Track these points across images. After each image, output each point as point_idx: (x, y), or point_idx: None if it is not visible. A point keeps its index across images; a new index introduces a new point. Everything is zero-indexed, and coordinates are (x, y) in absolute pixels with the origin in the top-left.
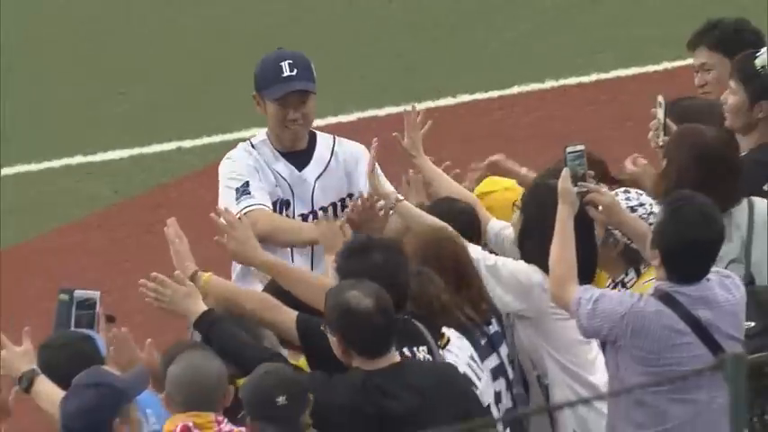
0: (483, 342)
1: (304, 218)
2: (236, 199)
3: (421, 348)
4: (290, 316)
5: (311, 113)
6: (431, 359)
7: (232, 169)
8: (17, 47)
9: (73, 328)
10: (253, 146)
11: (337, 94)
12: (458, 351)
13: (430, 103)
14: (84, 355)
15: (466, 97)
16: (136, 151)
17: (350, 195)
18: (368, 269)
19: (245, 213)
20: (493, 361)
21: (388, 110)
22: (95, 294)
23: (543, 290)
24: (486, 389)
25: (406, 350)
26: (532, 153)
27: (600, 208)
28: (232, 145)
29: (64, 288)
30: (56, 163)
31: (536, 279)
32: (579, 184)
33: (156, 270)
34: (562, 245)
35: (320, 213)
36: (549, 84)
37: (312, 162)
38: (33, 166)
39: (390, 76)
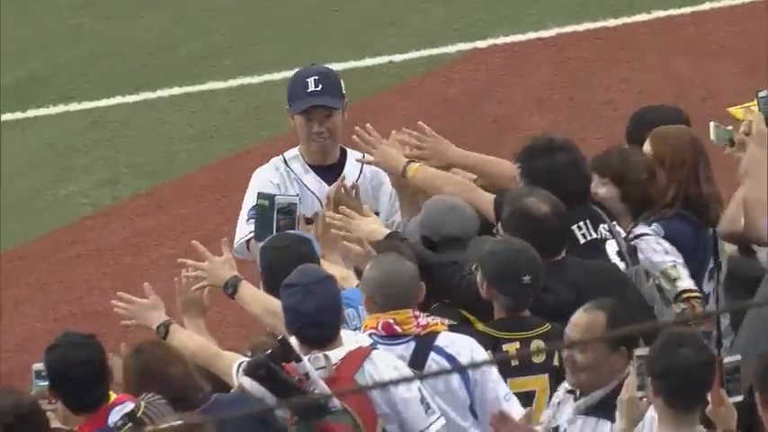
0: (711, 242)
1: None
2: (246, 221)
3: (602, 226)
4: (488, 197)
5: (336, 128)
6: (611, 235)
7: (253, 187)
8: None
9: (275, 232)
10: (285, 161)
11: (537, 11)
12: (618, 229)
13: (626, 19)
14: (304, 256)
15: (660, 13)
16: (350, 64)
17: (376, 213)
18: (555, 167)
19: (246, 240)
20: (711, 262)
21: (586, 25)
22: (295, 199)
23: None
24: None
25: (590, 227)
26: (722, 69)
27: None
28: (439, 60)
29: (263, 194)
30: (276, 76)
31: None
32: None
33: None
34: (758, 183)
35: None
36: (739, 0)
37: (340, 178)
38: (255, 79)
39: None
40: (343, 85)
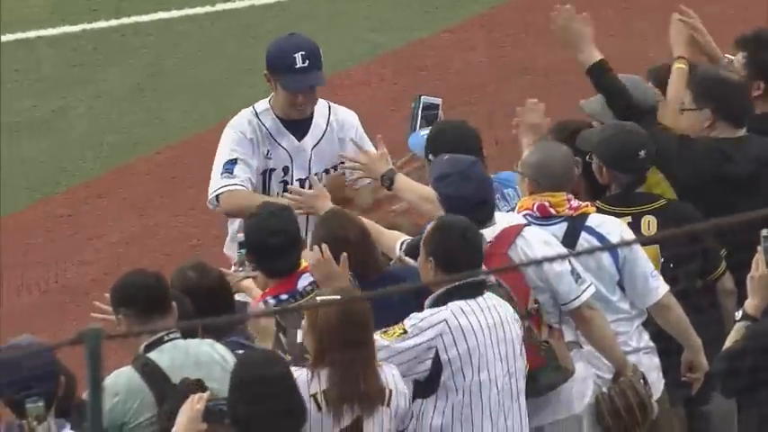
0: None
1: (301, 183)
2: (221, 174)
3: None
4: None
5: (316, 96)
6: None
7: (229, 141)
8: None
9: (417, 129)
10: (257, 114)
11: None
12: None
13: None
14: (472, 136)
15: None
16: None
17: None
18: None
19: (221, 193)
20: None
21: None
22: (438, 100)
23: None
24: None
25: None
26: None
27: None
28: None
29: (414, 95)
30: None
31: None
32: None
33: (537, 60)
34: None
35: (313, 178)
36: None
37: (310, 132)
38: None
39: None
40: (321, 53)
